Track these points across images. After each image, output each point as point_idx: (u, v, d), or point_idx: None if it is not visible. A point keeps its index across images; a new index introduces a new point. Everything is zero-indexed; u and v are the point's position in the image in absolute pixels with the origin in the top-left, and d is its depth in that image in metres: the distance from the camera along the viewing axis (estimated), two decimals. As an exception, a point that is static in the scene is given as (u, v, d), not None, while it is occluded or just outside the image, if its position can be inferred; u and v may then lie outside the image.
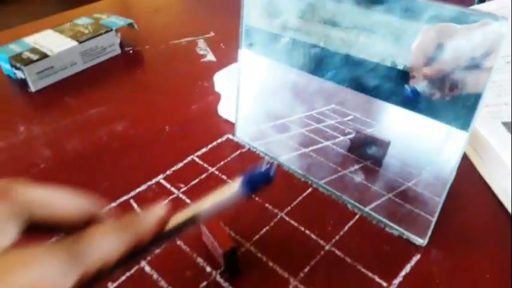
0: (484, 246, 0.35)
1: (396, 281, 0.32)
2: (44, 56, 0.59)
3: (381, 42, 0.36)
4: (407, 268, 0.33)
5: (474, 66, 0.31)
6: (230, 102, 0.48)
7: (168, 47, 0.69)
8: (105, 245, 0.20)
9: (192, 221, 0.24)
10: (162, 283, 0.33)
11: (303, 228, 0.37)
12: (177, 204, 0.39)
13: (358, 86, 0.40)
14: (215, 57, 0.64)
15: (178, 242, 0.36)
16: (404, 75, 0.35)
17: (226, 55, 0.64)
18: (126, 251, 0.21)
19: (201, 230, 0.35)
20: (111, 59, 0.66)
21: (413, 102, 0.34)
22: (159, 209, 0.23)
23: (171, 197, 0.40)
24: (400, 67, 0.36)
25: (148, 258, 0.35)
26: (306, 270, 0.33)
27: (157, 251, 0.35)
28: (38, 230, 0.21)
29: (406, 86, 0.34)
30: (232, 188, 0.25)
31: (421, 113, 0.34)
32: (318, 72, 0.42)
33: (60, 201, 0.22)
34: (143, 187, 0.42)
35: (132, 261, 0.22)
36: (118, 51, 0.67)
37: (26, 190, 0.21)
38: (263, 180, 0.25)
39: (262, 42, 0.44)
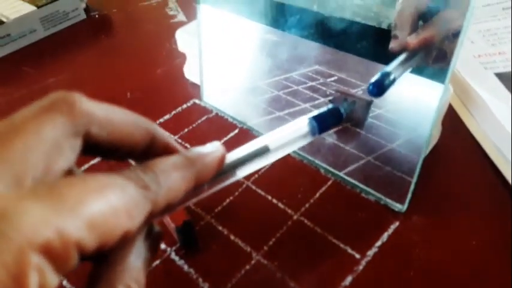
0: (470, 211, 0.31)
1: (371, 252, 0.29)
2: (-2, 22, 0.54)
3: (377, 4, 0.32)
4: (384, 237, 0.30)
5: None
6: (196, 62, 0.44)
7: (136, 9, 0.64)
8: (173, 179, 0.18)
9: (258, 155, 0.21)
10: (110, 263, 0.29)
11: (270, 197, 0.33)
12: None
13: (342, 45, 0.36)
14: (186, 18, 0.59)
15: (132, 217, 0.32)
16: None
17: (199, 15, 0.59)
18: (191, 187, 0.18)
19: (154, 203, 0.31)
20: (75, 25, 0.61)
21: (377, 96, 0.29)
22: (218, 146, 0.20)
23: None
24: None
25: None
26: (270, 243, 0.30)
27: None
28: (91, 153, 0.18)
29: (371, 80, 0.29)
30: (300, 126, 0.22)
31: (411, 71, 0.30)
32: (298, 33, 0.38)
33: (122, 119, 0.18)
34: (96, 160, 0.38)
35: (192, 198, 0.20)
36: (83, 16, 0.62)
37: (88, 104, 0.17)
38: (333, 117, 0.23)
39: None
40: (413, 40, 0.27)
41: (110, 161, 0.20)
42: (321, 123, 0.22)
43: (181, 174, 0.18)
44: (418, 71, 0.30)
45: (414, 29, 0.28)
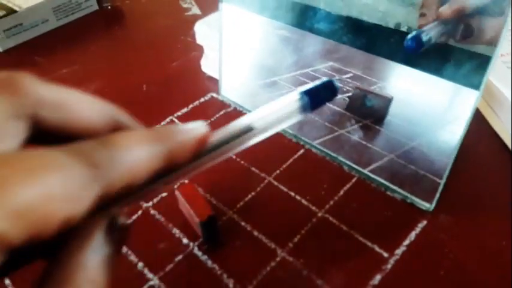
0: (499, 210, 0.30)
1: (399, 251, 0.28)
2: (11, 11, 0.53)
3: (384, 3, 0.32)
4: (411, 236, 0.29)
5: (492, 11, 0.26)
6: (214, 56, 0.43)
7: (149, 1, 0.63)
8: (135, 155, 0.15)
9: (241, 137, 0.18)
10: (132, 257, 0.29)
11: (293, 194, 0.32)
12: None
13: (358, 43, 0.35)
14: (200, 10, 0.58)
15: (152, 211, 0.32)
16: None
17: (213, 7, 0.58)
18: (159, 167, 0.15)
19: (176, 197, 0.31)
20: (87, 16, 0.60)
21: (413, 52, 0.29)
22: (201, 125, 0.17)
23: (146, 162, 0.36)
24: (404, 29, 0.31)
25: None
26: (295, 240, 0.29)
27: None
28: (46, 141, 0.16)
29: (408, 36, 0.29)
30: (290, 102, 0.19)
31: (426, 71, 0.30)
32: (313, 29, 0.38)
33: (78, 102, 0.16)
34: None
35: (163, 183, 0.17)
36: (95, 6, 0.61)
37: (36, 85, 0.15)
38: (326, 92, 0.20)
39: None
40: (446, 10, 0.27)
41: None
42: (314, 98, 0.19)
43: (146, 150, 0.15)
44: (449, 75, 0.30)
45: (441, 4, 0.28)
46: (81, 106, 0.16)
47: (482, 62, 0.27)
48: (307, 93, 0.19)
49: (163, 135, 0.16)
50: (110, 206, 0.15)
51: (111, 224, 0.15)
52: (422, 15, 0.29)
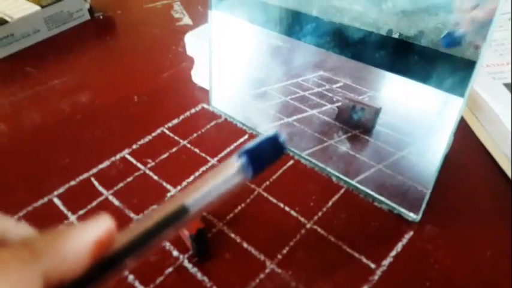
0: (484, 221, 0.31)
1: (386, 262, 0.29)
2: (2, 21, 0.54)
3: (375, 10, 0.32)
4: (398, 247, 0.29)
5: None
6: (204, 67, 0.44)
7: (141, 11, 0.63)
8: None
9: (173, 218, 0.16)
10: (122, 270, 0.29)
11: (282, 205, 0.33)
12: (144, 182, 0.35)
13: (348, 52, 0.36)
14: (192, 21, 0.59)
15: (142, 224, 0.32)
16: (400, 44, 0.32)
17: (204, 18, 0.59)
18: None
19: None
20: (79, 26, 0.60)
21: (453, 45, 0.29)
22: (101, 222, 0.15)
23: (136, 174, 0.36)
24: (396, 36, 0.32)
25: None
26: (284, 251, 0.30)
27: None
28: None
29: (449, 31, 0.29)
30: (230, 168, 0.17)
31: (415, 79, 0.31)
32: (303, 38, 0.39)
33: None
34: (106, 163, 0.37)
35: None
36: (87, 16, 0.61)
37: None
38: (272, 152, 0.18)
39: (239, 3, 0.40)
40: (479, 13, 0.27)
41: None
42: (256, 164, 0.17)
43: (12, 280, 0.12)
44: (430, 81, 0.30)
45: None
46: None
47: (468, 68, 0.27)
48: (248, 157, 0.17)
49: (37, 252, 0.13)
50: None
51: None
52: (456, 24, 0.29)
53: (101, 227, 0.14)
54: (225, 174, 0.17)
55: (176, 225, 0.16)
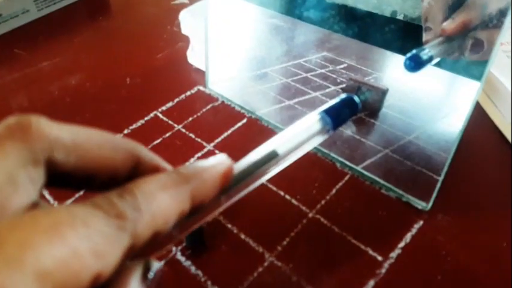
0: (500, 210, 0.29)
1: (394, 254, 0.27)
2: (-12, 2, 0.51)
3: None
4: (407, 238, 0.27)
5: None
6: (200, 47, 0.41)
7: (135, -11, 0.60)
8: (160, 202, 0.14)
9: (266, 164, 0.18)
10: (111, 263, 0.27)
11: (282, 193, 0.31)
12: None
13: (352, 32, 0.34)
14: None
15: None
16: (404, 26, 0.30)
17: (201, -3, 0.56)
18: (185, 210, 0.15)
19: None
20: (70, 6, 0.58)
21: (413, 71, 0.26)
22: (223, 159, 0.17)
23: (128, 160, 0.34)
24: (400, 17, 0.30)
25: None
26: (284, 243, 0.28)
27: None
28: (63, 182, 0.16)
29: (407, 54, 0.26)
30: (311, 123, 0.18)
31: None
32: (305, 18, 0.36)
33: (94, 141, 0.16)
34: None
35: (188, 226, 0.16)
36: (79, -4, 0.59)
37: (49, 127, 0.15)
38: (348, 109, 0.19)
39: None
40: (450, 25, 0.25)
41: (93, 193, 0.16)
42: (335, 117, 0.19)
43: (171, 195, 0.15)
44: (449, 65, 0.28)
45: (447, 17, 0.26)
46: (98, 144, 0.16)
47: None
48: (327, 112, 0.19)
49: (187, 177, 0.16)
50: (141, 255, 0.14)
51: (145, 271, 0.15)
52: (427, 29, 0.27)
53: (225, 162, 0.17)
54: (310, 131, 0.18)
55: (267, 167, 0.18)
